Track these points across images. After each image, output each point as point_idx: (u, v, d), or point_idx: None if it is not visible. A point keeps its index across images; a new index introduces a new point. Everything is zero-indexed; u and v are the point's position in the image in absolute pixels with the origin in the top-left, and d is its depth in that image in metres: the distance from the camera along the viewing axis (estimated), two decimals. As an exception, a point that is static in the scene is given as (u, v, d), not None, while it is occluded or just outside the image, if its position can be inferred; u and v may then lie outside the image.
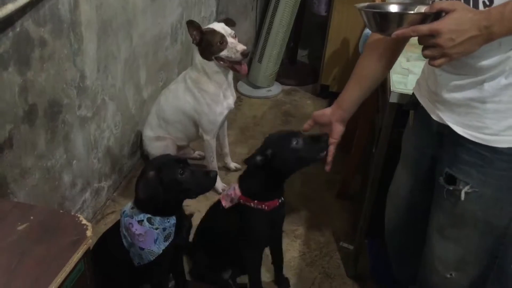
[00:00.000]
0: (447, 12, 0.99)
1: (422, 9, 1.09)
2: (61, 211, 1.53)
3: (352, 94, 1.43)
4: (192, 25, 2.16)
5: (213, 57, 2.18)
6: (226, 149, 2.61)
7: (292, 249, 2.18)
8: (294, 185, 2.57)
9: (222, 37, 2.16)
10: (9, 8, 1.40)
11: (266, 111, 3.31)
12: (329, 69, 3.38)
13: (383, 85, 1.87)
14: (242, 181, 1.69)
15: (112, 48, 2.10)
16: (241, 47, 2.16)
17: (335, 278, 2.05)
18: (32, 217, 1.11)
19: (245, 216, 1.68)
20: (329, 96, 3.45)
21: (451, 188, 1.21)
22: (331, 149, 1.51)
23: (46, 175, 1.83)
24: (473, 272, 1.29)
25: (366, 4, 1.15)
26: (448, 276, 1.30)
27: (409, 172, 1.44)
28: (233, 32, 2.22)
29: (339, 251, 2.18)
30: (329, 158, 1.52)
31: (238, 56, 2.16)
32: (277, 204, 1.69)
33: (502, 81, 1.07)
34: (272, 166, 1.58)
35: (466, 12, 0.98)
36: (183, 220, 1.63)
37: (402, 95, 1.54)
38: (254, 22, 3.65)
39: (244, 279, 1.92)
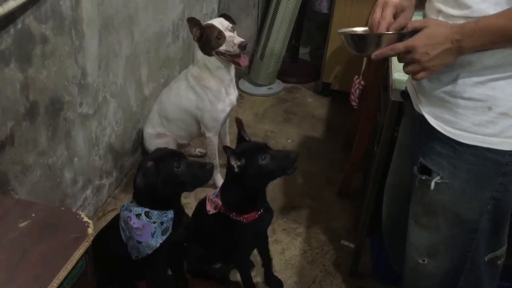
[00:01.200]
0: (420, 29, 1.07)
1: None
2: (62, 208, 1.54)
3: None
4: (192, 21, 2.16)
5: (213, 52, 2.18)
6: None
7: (293, 247, 2.18)
8: (295, 183, 2.57)
9: (220, 32, 2.16)
10: (11, 4, 1.40)
11: (268, 108, 3.30)
12: (331, 67, 3.38)
13: (385, 83, 1.87)
14: (222, 191, 1.69)
15: (113, 45, 2.10)
16: (238, 39, 2.16)
17: (336, 276, 2.05)
18: (33, 214, 1.11)
19: (226, 226, 1.69)
20: (330, 94, 3.45)
21: (423, 178, 1.25)
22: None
23: (48, 172, 1.83)
24: (445, 261, 1.32)
25: (348, 29, 1.24)
26: (421, 262, 1.34)
27: (403, 161, 1.47)
28: (230, 25, 2.21)
29: (340, 249, 2.18)
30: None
31: (236, 49, 2.16)
32: (256, 216, 1.69)
33: (474, 78, 1.10)
34: (243, 176, 1.59)
35: (438, 27, 1.06)
36: (182, 216, 1.63)
37: (403, 93, 1.54)
38: (255, 20, 3.64)
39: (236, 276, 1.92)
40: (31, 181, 1.74)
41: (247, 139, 1.68)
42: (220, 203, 1.67)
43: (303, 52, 3.87)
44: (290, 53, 3.70)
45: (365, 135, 2.31)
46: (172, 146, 2.42)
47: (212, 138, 2.36)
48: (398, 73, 1.62)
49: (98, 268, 1.28)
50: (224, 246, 1.78)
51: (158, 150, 1.62)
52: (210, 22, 2.22)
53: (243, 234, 1.70)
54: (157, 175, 1.48)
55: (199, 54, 2.22)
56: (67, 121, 1.88)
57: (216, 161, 2.44)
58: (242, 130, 1.69)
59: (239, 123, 1.72)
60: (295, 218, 2.34)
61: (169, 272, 1.84)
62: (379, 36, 1.14)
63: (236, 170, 1.57)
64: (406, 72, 1.11)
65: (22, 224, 1.08)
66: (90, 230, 1.07)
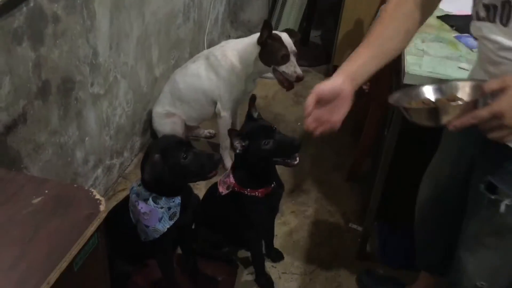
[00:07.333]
0: (500, 90, 0.92)
1: (458, 85, 1.08)
2: (75, 185, 1.55)
3: (368, 67, 1.25)
4: (266, 25, 2.13)
5: (271, 66, 2.17)
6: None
7: (301, 229, 2.20)
8: (304, 167, 2.58)
9: (287, 55, 2.13)
10: (23, -18, 1.40)
11: (278, 91, 3.29)
12: (342, 50, 3.35)
13: (397, 67, 1.85)
14: (234, 169, 1.70)
15: (124, 25, 2.10)
16: (299, 70, 2.15)
17: (343, 258, 2.06)
18: (46, 191, 1.12)
19: (241, 203, 1.70)
20: (341, 77, 3.42)
21: (492, 198, 1.14)
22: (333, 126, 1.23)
23: (59, 151, 1.85)
24: (504, 284, 1.26)
25: (398, 94, 1.14)
26: (478, 285, 1.26)
27: (448, 168, 1.42)
28: (296, 51, 2.18)
29: (348, 232, 2.19)
30: (318, 131, 1.23)
31: (292, 76, 2.16)
32: (270, 190, 1.70)
33: None
34: (246, 157, 1.60)
35: None
36: (190, 199, 1.64)
37: (416, 77, 1.53)
38: (266, 2, 3.61)
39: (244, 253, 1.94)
40: (43, 159, 1.76)
41: (256, 117, 1.68)
42: (233, 181, 1.68)
43: (314, 35, 3.83)
44: (301, 35, 3.67)
45: (375, 119, 2.29)
46: (180, 126, 2.42)
47: (227, 117, 2.36)
48: (411, 56, 1.60)
49: (109, 245, 1.30)
50: (236, 227, 1.80)
51: (167, 138, 1.61)
52: (280, 34, 2.18)
53: (258, 210, 1.72)
54: (164, 166, 1.46)
55: (250, 52, 2.18)
56: (79, 101, 1.89)
57: (228, 142, 2.44)
58: (252, 108, 1.69)
59: (252, 100, 1.70)
60: (303, 201, 2.35)
61: (179, 251, 1.86)
62: (452, 105, 1.03)
63: (238, 151, 1.59)
64: (491, 138, 0.96)
65: (35, 201, 1.09)
66: (102, 208, 1.08)
